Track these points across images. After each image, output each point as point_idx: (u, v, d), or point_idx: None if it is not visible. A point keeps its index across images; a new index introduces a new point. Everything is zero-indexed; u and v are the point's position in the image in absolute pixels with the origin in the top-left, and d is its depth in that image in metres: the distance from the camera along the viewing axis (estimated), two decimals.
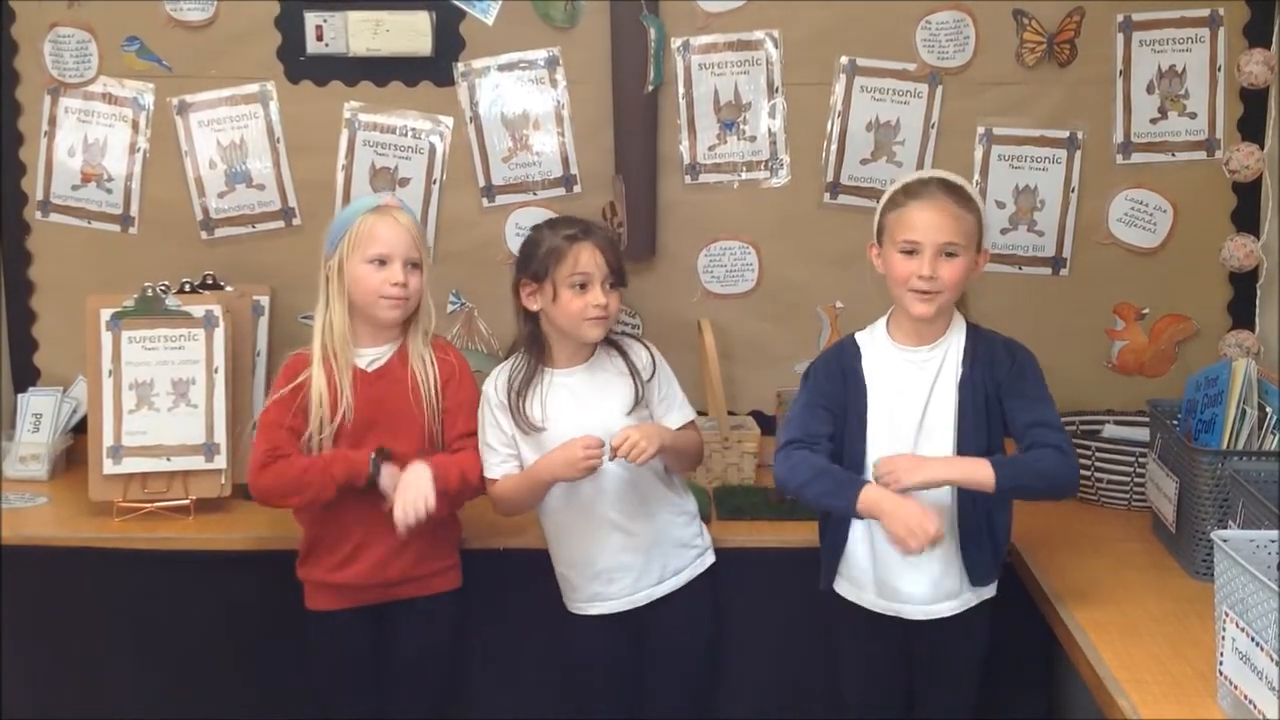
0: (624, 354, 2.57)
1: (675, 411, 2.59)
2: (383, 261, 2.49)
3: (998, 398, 2.35)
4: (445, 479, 2.46)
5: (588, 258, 2.46)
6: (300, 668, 2.64)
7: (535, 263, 2.50)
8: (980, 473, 2.24)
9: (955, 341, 2.39)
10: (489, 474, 2.54)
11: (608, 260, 2.48)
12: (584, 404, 2.51)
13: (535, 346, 2.55)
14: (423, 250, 2.56)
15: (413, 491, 2.42)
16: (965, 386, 2.35)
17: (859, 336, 2.47)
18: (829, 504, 2.35)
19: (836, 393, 2.41)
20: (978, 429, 2.34)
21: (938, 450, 2.34)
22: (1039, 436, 2.29)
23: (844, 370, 2.42)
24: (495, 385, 2.56)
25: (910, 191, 2.36)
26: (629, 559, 2.52)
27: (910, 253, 2.31)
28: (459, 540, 2.66)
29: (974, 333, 2.41)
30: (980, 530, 2.36)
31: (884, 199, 2.41)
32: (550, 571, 2.62)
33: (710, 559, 2.63)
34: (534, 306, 2.52)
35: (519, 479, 2.52)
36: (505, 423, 2.53)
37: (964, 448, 2.34)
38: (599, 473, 2.43)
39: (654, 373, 2.58)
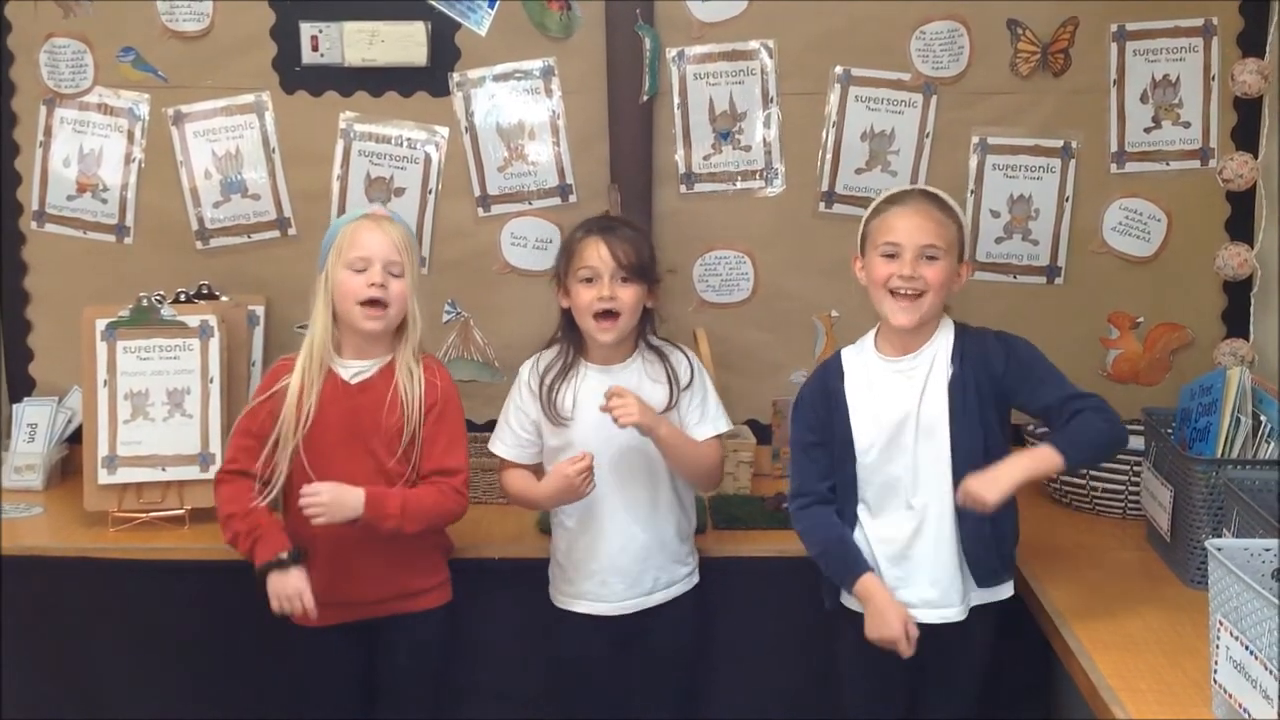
0: (664, 359, 2.58)
1: (705, 424, 2.58)
2: (363, 267, 2.47)
3: (998, 394, 2.36)
4: (380, 514, 2.39)
5: (592, 252, 2.48)
6: (296, 678, 2.63)
7: (556, 261, 2.56)
8: (1049, 460, 2.26)
9: (943, 343, 2.40)
10: (498, 451, 2.57)
11: (617, 255, 2.47)
12: None
13: (572, 340, 2.56)
14: (408, 260, 2.50)
15: (336, 509, 2.37)
16: (956, 385, 2.36)
17: (845, 353, 2.49)
18: (832, 577, 2.44)
19: (823, 422, 2.44)
20: (971, 427, 2.35)
21: (937, 454, 2.35)
22: (1073, 406, 2.30)
23: (827, 394, 2.45)
24: (532, 369, 2.57)
25: (892, 199, 2.42)
26: (626, 564, 2.53)
27: (891, 255, 2.34)
28: (448, 555, 2.65)
29: (962, 331, 2.42)
30: (981, 529, 2.35)
31: (867, 211, 2.45)
32: (541, 578, 2.63)
33: (696, 578, 2.63)
34: (564, 304, 2.55)
35: (524, 490, 2.54)
36: (531, 407, 2.54)
37: (958, 447, 2.34)
38: (616, 475, 2.47)
39: (691, 383, 2.57)
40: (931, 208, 2.36)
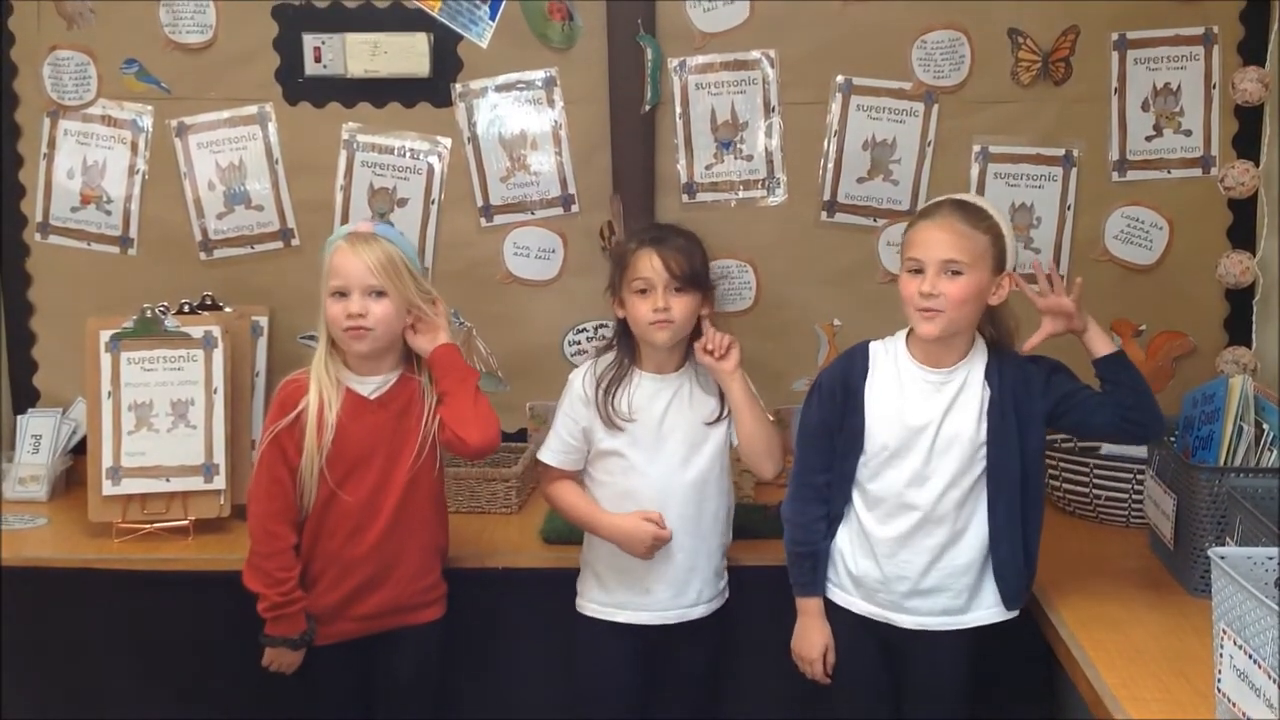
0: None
1: None
2: (343, 293, 2.46)
3: (1045, 415, 2.35)
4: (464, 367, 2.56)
5: (646, 264, 2.49)
6: (298, 688, 2.64)
7: (611, 271, 2.58)
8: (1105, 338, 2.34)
9: (977, 366, 2.38)
10: (545, 459, 2.59)
11: (670, 266, 2.48)
12: (668, 410, 2.54)
13: (627, 348, 2.58)
14: (392, 278, 2.47)
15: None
16: (995, 408, 2.34)
17: (873, 346, 2.47)
18: (790, 577, 2.48)
19: (837, 412, 2.43)
20: (1010, 450, 2.34)
21: (948, 469, 2.34)
22: None
23: (846, 388, 2.43)
24: (583, 379, 2.58)
25: (923, 213, 2.40)
26: (674, 573, 2.54)
27: (916, 271, 2.32)
28: (444, 565, 2.65)
29: (998, 354, 2.39)
30: (1015, 551, 2.36)
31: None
32: (544, 588, 2.64)
33: (727, 593, 2.65)
34: (619, 314, 2.57)
35: (582, 508, 2.56)
36: (583, 415, 2.55)
37: (996, 472, 2.33)
38: (669, 485, 2.51)
39: None
40: (957, 220, 2.31)
